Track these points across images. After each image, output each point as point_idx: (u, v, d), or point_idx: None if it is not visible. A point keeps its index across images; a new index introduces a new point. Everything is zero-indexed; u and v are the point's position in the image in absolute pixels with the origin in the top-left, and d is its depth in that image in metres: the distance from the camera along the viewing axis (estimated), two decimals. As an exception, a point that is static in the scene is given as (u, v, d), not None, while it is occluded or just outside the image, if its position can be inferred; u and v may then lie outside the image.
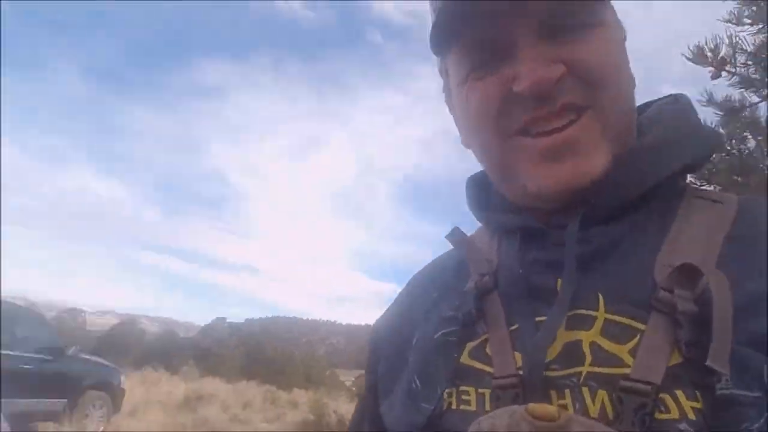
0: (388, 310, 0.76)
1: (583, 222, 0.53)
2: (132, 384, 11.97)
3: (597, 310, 0.50)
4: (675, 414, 0.42)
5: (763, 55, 2.21)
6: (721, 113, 2.68)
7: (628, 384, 0.44)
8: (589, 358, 0.47)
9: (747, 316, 0.44)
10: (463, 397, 0.53)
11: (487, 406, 0.51)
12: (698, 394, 0.42)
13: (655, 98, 0.66)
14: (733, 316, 0.43)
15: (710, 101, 2.59)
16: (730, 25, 2.24)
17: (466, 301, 0.58)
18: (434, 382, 0.56)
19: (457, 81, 0.60)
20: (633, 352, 0.46)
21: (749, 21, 2.19)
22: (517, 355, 0.51)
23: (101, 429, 8.19)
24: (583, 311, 0.50)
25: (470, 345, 0.55)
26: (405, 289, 0.76)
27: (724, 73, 2.29)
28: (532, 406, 0.43)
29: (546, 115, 0.53)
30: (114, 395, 8.71)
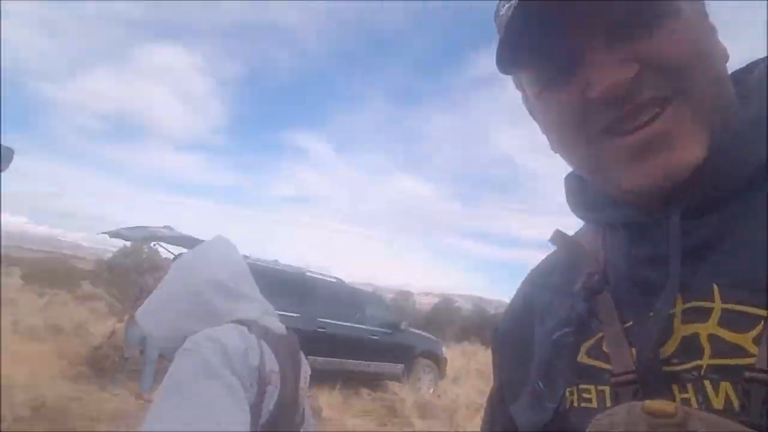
0: (507, 311, 0.76)
1: (688, 212, 0.51)
2: (453, 355, 13.68)
3: (713, 301, 0.48)
4: None
5: None
6: None
7: (754, 374, 0.42)
8: (708, 351, 0.46)
9: None
10: (584, 395, 0.54)
11: (608, 403, 0.51)
12: None
13: (753, 61, 0.61)
14: None
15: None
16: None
17: (577, 301, 0.59)
18: (556, 382, 0.57)
19: (532, 95, 0.59)
20: (757, 341, 0.44)
21: None
22: (634, 351, 0.51)
23: (431, 390, 9.70)
24: (698, 303, 0.48)
25: (587, 344, 0.56)
26: (520, 290, 0.76)
27: None
28: (648, 402, 0.43)
29: (627, 113, 0.51)
30: (438, 363, 10.17)
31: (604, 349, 0.54)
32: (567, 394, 0.55)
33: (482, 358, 15.90)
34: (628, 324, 0.53)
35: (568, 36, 0.52)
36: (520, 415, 0.63)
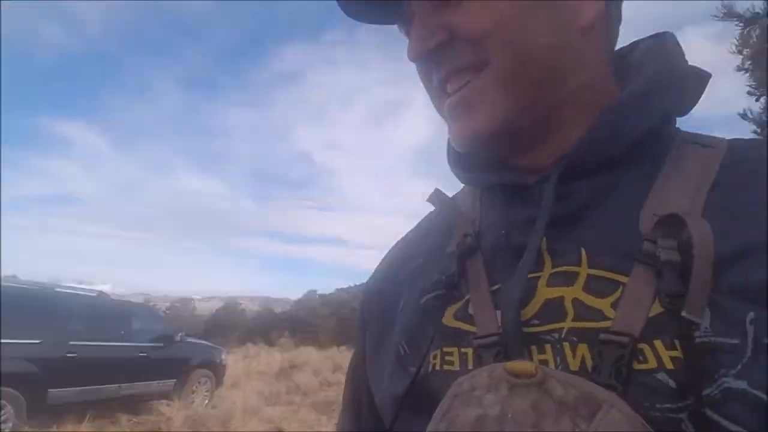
0: (374, 274, 0.75)
1: (565, 176, 0.53)
2: (235, 359, 13.40)
3: (579, 265, 0.50)
4: (653, 363, 0.42)
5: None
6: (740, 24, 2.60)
7: (607, 336, 0.44)
8: (571, 314, 0.48)
9: (730, 265, 0.43)
10: (447, 357, 0.53)
11: (470, 365, 0.51)
12: (677, 343, 0.42)
13: (641, 38, 0.63)
14: (715, 266, 0.43)
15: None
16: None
17: (449, 263, 0.59)
18: (420, 346, 0.56)
19: None
20: (614, 305, 0.46)
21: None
22: (499, 314, 0.51)
23: (206, 402, 9.36)
24: (566, 267, 0.50)
25: (454, 306, 0.56)
26: (391, 252, 0.75)
27: None
28: (510, 363, 0.44)
29: (443, 78, 0.56)
30: (216, 372, 9.86)
31: (470, 311, 0.54)
32: (430, 357, 0.54)
33: (265, 358, 15.92)
34: (496, 287, 0.54)
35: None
36: (381, 381, 0.62)
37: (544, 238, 0.52)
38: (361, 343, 0.71)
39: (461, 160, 0.65)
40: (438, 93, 0.59)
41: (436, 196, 0.68)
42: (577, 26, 0.54)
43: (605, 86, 0.58)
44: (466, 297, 0.56)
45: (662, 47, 0.59)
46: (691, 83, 0.57)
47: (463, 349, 0.53)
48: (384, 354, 0.63)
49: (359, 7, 0.62)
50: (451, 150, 0.67)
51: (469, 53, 0.54)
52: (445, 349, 0.54)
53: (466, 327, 0.54)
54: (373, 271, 0.76)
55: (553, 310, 0.49)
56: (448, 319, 0.56)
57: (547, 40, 0.53)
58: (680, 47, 0.58)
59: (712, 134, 0.57)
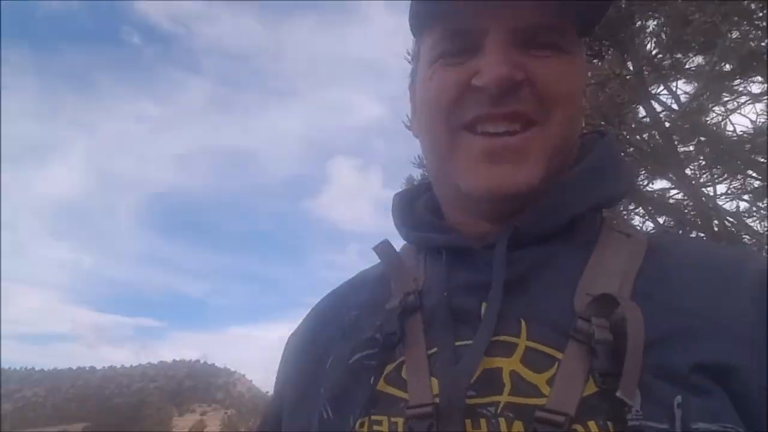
0: (301, 325, 0.72)
1: (509, 245, 0.54)
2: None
3: (519, 336, 0.50)
4: None
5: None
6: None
7: (543, 415, 0.44)
8: (508, 387, 0.47)
9: (658, 349, 0.45)
10: (375, 427, 0.51)
11: None
12: (610, 425, 0.43)
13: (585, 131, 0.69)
14: (645, 348, 0.44)
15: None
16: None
17: (388, 320, 0.56)
18: (346, 411, 0.53)
19: (426, 61, 0.61)
20: (550, 382, 0.46)
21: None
22: (434, 381, 0.50)
23: None
24: (506, 337, 0.50)
25: (387, 368, 0.54)
26: (322, 302, 0.72)
27: None
28: None
29: (496, 115, 0.54)
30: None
31: (404, 375, 0.53)
32: (357, 425, 0.52)
33: None
34: (433, 350, 0.53)
35: (482, 17, 0.55)
36: None
37: (483, 304, 0.53)
38: (278, 404, 0.66)
39: (407, 219, 0.67)
40: (455, 123, 0.57)
41: (383, 248, 0.66)
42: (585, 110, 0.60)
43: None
44: (400, 359, 0.54)
45: (603, 140, 0.64)
46: (624, 178, 0.62)
47: (393, 418, 0.51)
48: (303, 417, 0.59)
49: (441, 5, 0.58)
50: (396, 205, 0.68)
51: (533, 106, 0.55)
52: (373, 417, 0.51)
53: (399, 393, 0.52)
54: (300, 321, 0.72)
55: (491, 381, 0.48)
56: (380, 383, 0.53)
57: (581, 124, 0.61)
58: (615, 143, 0.64)
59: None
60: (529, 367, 0.48)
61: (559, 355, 0.48)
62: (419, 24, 0.62)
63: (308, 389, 0.60)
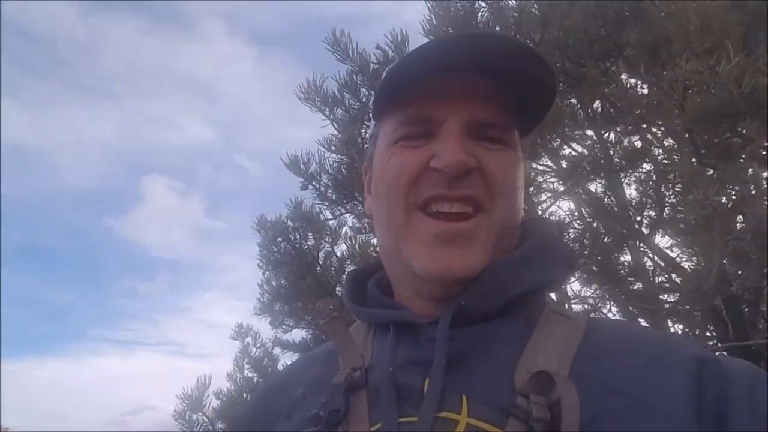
0: (248, 403, 0.80)
1: (453, 322, 0.57)
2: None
3: (460, 413, 0.51)
4: None
5: (340, 178, 2.59)
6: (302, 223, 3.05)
7: None
8: None
9: (592, 426, 0.47)
10: None
11: None
12: None
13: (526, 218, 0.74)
14: (580, 426, 0.46)
15: (296, 210, 3.04)
16: (322, 148, 2.68)
17: (333, 396, 0.58)
18: None
19: (385, 143, 0.65)
20: None
21: (335, 150, 2.65)
22: None
23: None
24: (447, 414, 0.52)
25: None
26: (272, 378, 0.78)
27: (311, 187, 2.68)
28: None
29: (450, 197, 0.59)
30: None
31: None
32: None
33: None
34: (376, 427, 0.54)
35: (441, 108, 0.61)
36: None
37: (427, 380, 0.54)
38: None
39: (357, 295, 0.69)
40: (411, 202, 0.61)
41: (332, 325, 0.67)
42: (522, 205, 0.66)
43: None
44: None
45: (543, 227, 0.68)
46: (564, 261, 0.67)
47: None
48: None
49: (402, 94, 0.63)
50: (348, 283, 0.71)
51: (482, 193, 0.59)
52: None
53: None
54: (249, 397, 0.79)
55: None
56: None
57: (519, 211, 0.65)
58: (555, 230, 0.69)
59: None
60: None
61: None
62: (382, 110, 0.67)
63: None
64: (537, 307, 0.62)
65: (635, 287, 2.35)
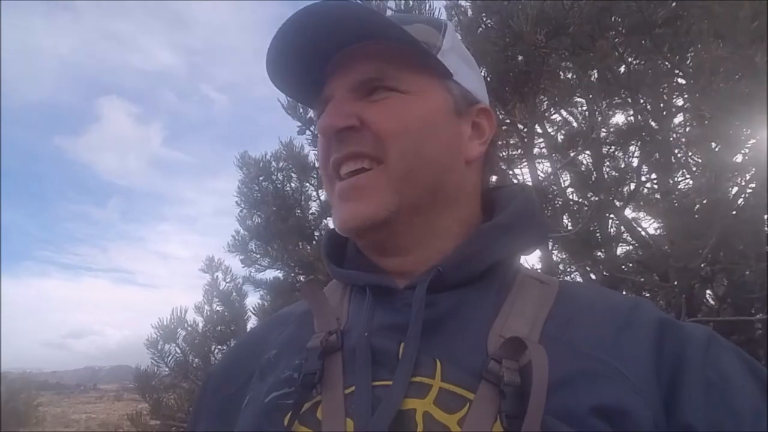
0: (220, 361, 0.74)
1: (430, 287, 0.57)
2: None
3: (433, 378, 0.52)
4: None
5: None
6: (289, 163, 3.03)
7: None
8: (420, 429, 0.50)
9: (561, 390, 0.49)
10: None
11: None
12: None
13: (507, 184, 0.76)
14: (549, 390, 0.47)
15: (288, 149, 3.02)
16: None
17: (308, 359, 0.57)
18: None
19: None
20: (461, 423, 0.49)
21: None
22: (349, 421, 0.51)
23: None
24: (421, 378, 0.53)
25: (303, 408, 0.55)
26: (242, 339, 0.76)
27: (308, 132, 2.58)
28: None
29: (340, 158, 0.62)
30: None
31: (318, 415, 0.53)
32: None
33: None
34: (350, 389, 0.54)
35: (329, 85, 0.65)
36: None
37: (401, 344, 0.55)
38: (193, 430, 0.68)
39: (335, 256, 0.70)
40: (331, 173, 0.64)
41: (308, 288, 0.67)
42: (462, 157, 0.65)
43: (476, 213, 0.68)
44: (317, 398, 0.55)
45: (524, 194, 0.68)
46: (540, 229, 0.67)
47: None
48: None
49: (285, 78, 0.68)
50: (326, 241, 0.71)
51: (371, 146, 0.61)
52: None
53: None
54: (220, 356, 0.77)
55: (405, 423, 0.50)
56: (294, 424, 0.53)
57: (438, 158, 0.63)
58: (535, 198, 0.69)
59: None
60: (441, 407, 0.50)
61: (470, 396, 0.50)
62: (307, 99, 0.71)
63: (222, 427, 0.62)
64: (512, 273, 0.64)
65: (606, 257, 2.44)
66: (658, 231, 2.44)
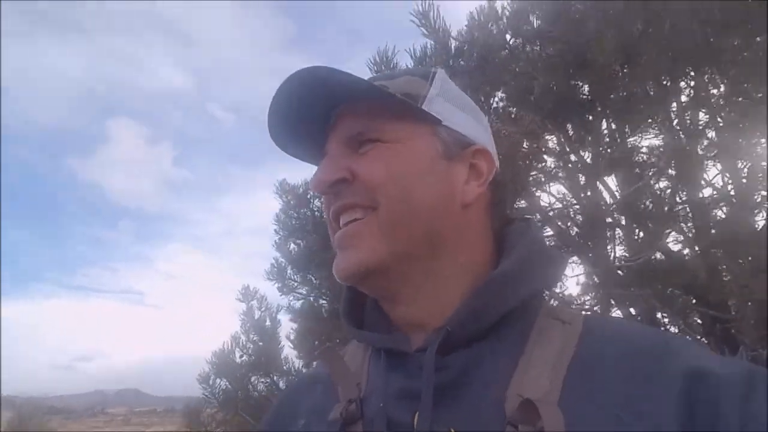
0: (262, 422, 0.77)
1: (442, 348, 0.57)
2: None
3: None
4: None
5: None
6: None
7: None
8: None
9: None
10: None
11: None
12: None
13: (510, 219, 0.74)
14: None
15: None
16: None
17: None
18: None
19: None
20: None
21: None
22: None
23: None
24: None
25: None
26: (276, 406, 0.78)
27: None
28: None
29: (336, 210, 0.65)
30: None
31: None
32: None
33: None
34: None
35: (328, 139, 0.68)
36: None
37: (416, 414, 0.55)
38: None
39: (352, 316, 0.70)
40: (333, 225, 0.67)
41: (327, 355, 0.68)
42: (458, 201, 0.65)
43: (482, 257, 0.66)
44: None
45: (530, 232, 0.67)
46: (555, 265, 0.66)
47: None
48: None
49: (286, 139, 0.71)
50: (346, 299, 0.71)
51: (362, 196, 0.62)
52: None
53: None
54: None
55: None
56: None
57: (429, 203, 0.63)
58: (542, 234, 0.70)
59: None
60: None
61: None
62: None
63: None
64: (529, 318, 0.62)
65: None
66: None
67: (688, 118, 2.16)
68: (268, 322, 3.26)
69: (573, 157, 2.32)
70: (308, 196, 3.09)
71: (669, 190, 2.34)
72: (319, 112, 0.68)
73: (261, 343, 3.23)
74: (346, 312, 0.71)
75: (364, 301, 0.72)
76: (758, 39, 1.69)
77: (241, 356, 3.09)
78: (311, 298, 3.11)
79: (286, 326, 3.37)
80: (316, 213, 3.03)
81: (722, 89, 2.02)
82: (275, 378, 3.01)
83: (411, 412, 0.56)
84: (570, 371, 0.54)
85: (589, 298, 2.23)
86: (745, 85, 1.81)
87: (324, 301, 2.97)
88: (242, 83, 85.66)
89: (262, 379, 2.93)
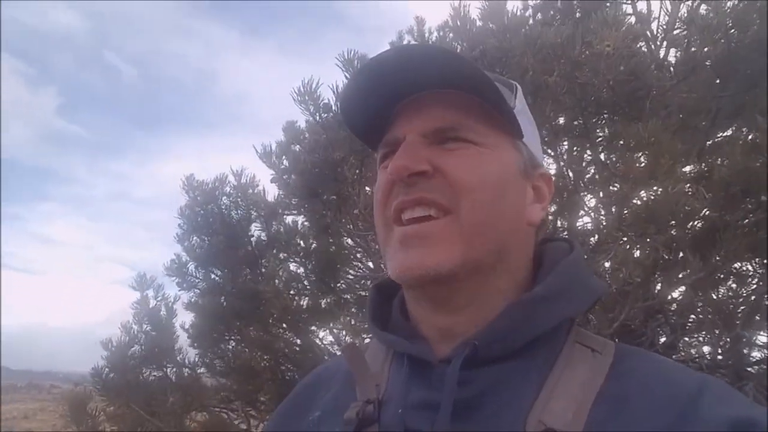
0: (273, 417, 0.75)
1: (467, 362, 0.55)
2: None
3: None
4: None
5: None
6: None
7: None
8: None
9: None
10: None
11: None
12: None
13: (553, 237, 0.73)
14: None
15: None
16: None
17: (346, 429, 0.59)
18: None
19: (377, 168, 0.69)
20: None
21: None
22: None
23: None
24: None
25: None
26: (292, 396, 0.75)
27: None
28: None
29: (408, 201, 0.60)
30: None
31: None
32: None
33: None
34: None
35: (401, 128, 0.64)
36: None
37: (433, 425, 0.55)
38: None
39: (378, 315, 0.69)
40: (390, 217, 0.63)
41: (350, 353, 0.67)
42: (525, 220, 0.65)
43: (525, 275, 0.65)
44: None
45: (571, 254, 0.66)
46: (589, 293, 0.64)
47: None
48: None
49: (355, 113, 0.67)
50: (372, 299, 0.70)
51: (442, 194, 0.59)
52: None
53: None
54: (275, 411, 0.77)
55: None
56: None
57: (509, 216, 0.62)
58: (583, 256, 0.66)
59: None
60: None
61: None
62: (371, 139, 0.69)
63: None
64: (559, 342, 0.61)
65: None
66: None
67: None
68: (163, 311, 3.24)
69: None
70: (216, 193, 3.11)
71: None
72: (402, 90, 0.63)
73: (154, 333, 3.21)
74: (373, 312, 0.69)
75: (388, 302, 0.70)
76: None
77: (131, 347, 3.06)
78: (212, 296, 3.15)
79: (182, 316, 3.37)
80: (225, 211, 3.07)
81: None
82: (167, 370, 3.02)
83: (429, 424, 0.54)
84: (596, 404, 0.53)
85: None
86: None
87: (223, 299, 3.03)
88: (147, 37, 73.13)
89: (155, 372, 2.94)
